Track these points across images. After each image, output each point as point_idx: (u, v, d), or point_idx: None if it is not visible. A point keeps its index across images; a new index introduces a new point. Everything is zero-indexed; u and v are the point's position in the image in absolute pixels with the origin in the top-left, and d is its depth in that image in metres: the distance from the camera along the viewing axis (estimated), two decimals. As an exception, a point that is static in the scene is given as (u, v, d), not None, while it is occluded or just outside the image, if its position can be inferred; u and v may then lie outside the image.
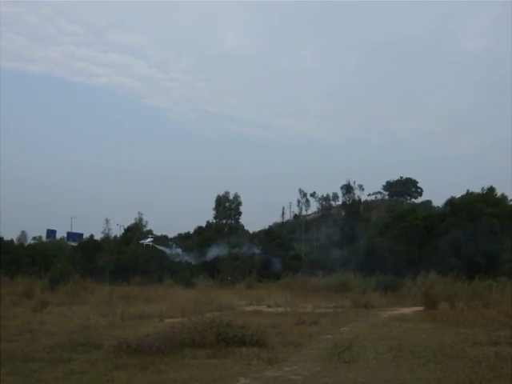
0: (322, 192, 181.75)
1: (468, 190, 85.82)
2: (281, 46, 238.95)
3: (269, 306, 40.03)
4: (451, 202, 79.49)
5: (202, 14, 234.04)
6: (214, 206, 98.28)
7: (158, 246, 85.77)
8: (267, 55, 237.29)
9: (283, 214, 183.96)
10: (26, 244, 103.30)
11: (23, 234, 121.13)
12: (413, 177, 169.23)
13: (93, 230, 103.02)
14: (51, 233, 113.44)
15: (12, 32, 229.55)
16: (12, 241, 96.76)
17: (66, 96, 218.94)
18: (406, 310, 36.38)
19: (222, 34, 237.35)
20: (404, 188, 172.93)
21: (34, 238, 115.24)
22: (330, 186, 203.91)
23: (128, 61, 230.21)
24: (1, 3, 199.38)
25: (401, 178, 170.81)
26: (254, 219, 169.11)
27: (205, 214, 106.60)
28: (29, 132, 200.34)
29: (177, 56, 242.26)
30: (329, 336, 22.88)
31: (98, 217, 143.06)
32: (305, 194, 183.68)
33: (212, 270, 77.43)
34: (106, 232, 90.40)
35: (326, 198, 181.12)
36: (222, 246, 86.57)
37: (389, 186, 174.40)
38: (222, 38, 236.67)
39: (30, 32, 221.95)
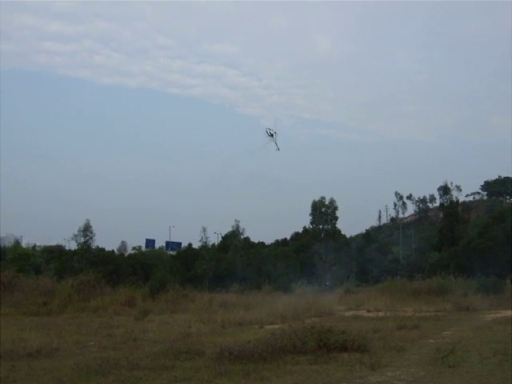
0: (418, 194, 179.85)
1: None
2: (373, 48, 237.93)
3: (368, 311, 39.77)
4: (553, 201, 77.44)
5: (293, 20, 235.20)
6: (310, 211, 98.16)
7: None
8: (360, 58, 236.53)
9: (380, 217, 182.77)
10: (126, 254, 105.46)
11: (123, 245, 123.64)
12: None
13: (191, 238, 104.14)
14: (150, 242, 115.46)
15: (109, 48, 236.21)
16: (113, 251, 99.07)
17: (162, 108, 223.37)
18: (510, 313, 35.52)
19: (314, 39, 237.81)
20: (503, 187, 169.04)
21: (134, 248, 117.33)
22: (427, 188, 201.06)
23: (221, 70, 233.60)
24: (95, 20, 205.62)
25: (499, 177, 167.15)
26: (351, 223, 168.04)
27: (301, 220, 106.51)
28: (129, 143, 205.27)
29: (269, 63, 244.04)
30: (431, 340, 22.56)
31: (195, 225, 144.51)
32: (401, 197, 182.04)
33: (310, 275, 77.29)
34: (204, 240, 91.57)
35: (423, 200, 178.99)
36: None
37: (487, 185, 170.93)
38: (313, 42, 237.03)
39: (126, 47, 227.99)
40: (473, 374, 15.00)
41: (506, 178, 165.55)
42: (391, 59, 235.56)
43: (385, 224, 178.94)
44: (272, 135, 49.60)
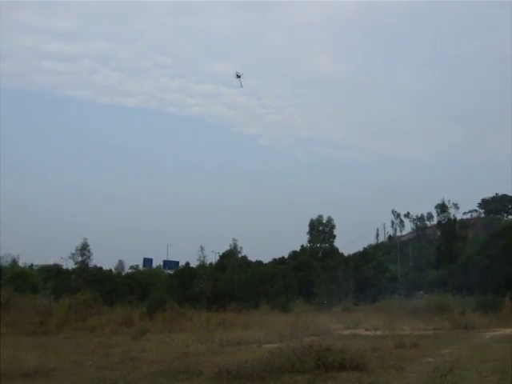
0: (416, 212, 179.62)
1: None
2: (373, 67, 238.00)
3: (366, 329, 39.61)
4: (551, 218, 77.55)
5: (292, 39, 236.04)
6: (307, 229, 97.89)
7: None
8: (359, 76, 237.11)
9: (377, 235, 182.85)
10: (123, 273, 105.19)
11: (121, 264, 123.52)
12: (509, 193, 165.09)
13: (188, 257, 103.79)
14: (148, 261, 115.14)
15: (108, 67, 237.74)
16: (110, 270, 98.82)
17: (160, 127, 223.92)
18: (508, 331, 35.47)
19: (314, 58, 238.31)
20: (500, 205, 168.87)
21: (132, 267, 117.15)
22: (425, 206, 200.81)
23: (220, 90, 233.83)
24: (95, 40, 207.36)
25: (496, 194, 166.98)
26: (349, 242, 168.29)
27: (299, 238, 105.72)
28: (126, 162, 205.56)
29: (269, 82, 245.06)
30: (430, 359, 22.47)
31: (193, 244, 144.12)
32: (398, 215, 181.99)
33: (308, 294, 77.13)
34: (202, 259, 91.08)
35: (421, 218, 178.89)
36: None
37: (484, 203, 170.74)
38: (313, 61, 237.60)
39: (125, 67, 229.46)
40: (472, 392, 14.95)
41: (504, 196, 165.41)
42: (390, 78, 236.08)
43: (382, 242, 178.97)
44: (239, 76, 51.33)
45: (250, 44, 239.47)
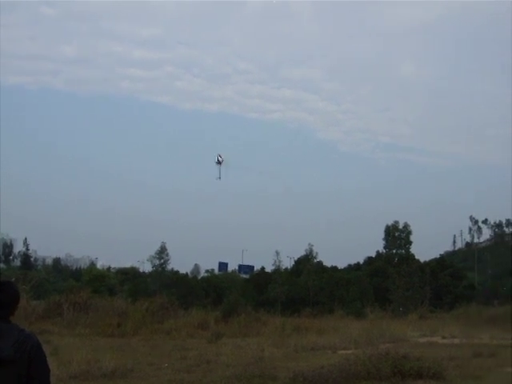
0: (494, 218, 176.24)
1: None
2: (455, 73, 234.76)
3: (443, 338, 39.00)
4: None
5: (376, 44, 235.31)
6: (383, 235, 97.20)
7: None
8: (441, 82, 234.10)
9: (454, 242, 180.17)
10: (199, 277, 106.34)
11: (196, 267, 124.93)
12: None
13: (263, 262, 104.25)
14: (223, 265, 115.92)
15: (190, 74, 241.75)
16: (186, 274, 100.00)
17: (241, 132, 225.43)
18: None
19: (397, 63, 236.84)
20: None
21: (207, 271, 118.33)
22: (504, 212, 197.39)
23: (300, 95, 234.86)
24: (178, 47, 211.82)
25: None
26: (425, 248, 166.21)
27: (374, 244, 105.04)
28: (206, 165, 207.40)
29: (349, 88, 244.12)
30: (509, 369, 22.02)
31: (268, 249, 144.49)
32: (476, 221, 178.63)
33: (383, 300, 76.56)
34: (277, 264, 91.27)
35: (499, 225, 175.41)
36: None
37: None
38: (396, 66, 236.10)
39: (207, 73, 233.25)
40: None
41: None
42: (473, 83, 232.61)
43: (459, 249, 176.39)
44: (220, 162, 49.69)
45: (331, 50, 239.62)
